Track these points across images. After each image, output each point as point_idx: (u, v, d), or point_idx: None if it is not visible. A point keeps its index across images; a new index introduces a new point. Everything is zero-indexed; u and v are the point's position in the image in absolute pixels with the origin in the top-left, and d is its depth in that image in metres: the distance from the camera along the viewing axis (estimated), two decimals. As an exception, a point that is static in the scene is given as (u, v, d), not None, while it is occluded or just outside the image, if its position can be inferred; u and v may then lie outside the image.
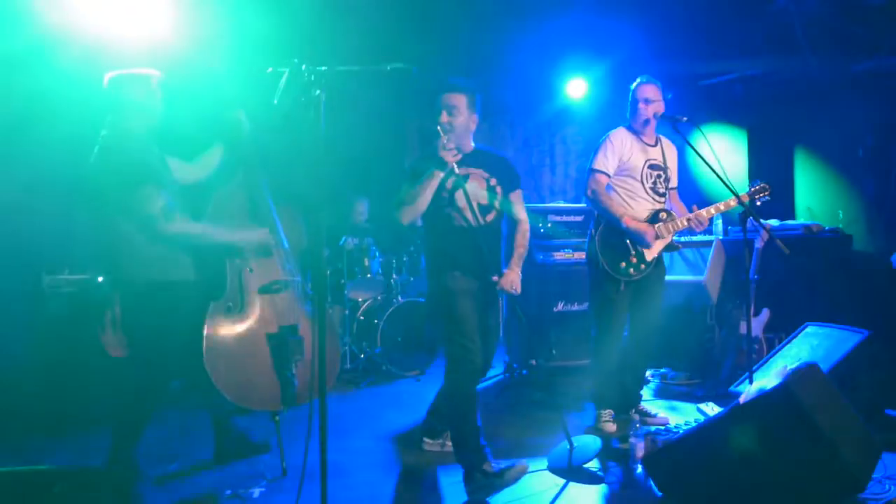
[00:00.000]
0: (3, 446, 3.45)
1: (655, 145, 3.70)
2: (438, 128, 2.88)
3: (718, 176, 3.37)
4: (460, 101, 2.94)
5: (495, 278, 2.96)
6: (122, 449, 2.76)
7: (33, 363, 3.69)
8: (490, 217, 3.02)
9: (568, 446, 2.99)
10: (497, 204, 3.04)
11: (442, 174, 2.87)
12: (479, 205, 2.98)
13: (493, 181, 3.04)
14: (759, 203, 3.64)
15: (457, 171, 2.89)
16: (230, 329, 2.91)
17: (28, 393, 3.69)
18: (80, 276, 3.85)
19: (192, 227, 2.76)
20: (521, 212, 3.17)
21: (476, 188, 2.99)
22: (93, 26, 3.89)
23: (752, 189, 3.64)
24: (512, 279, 2.98)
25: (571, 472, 2.96)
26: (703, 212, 3.58)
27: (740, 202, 3.45)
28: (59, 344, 3.64)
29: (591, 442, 3.16)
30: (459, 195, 2.93)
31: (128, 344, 2.82)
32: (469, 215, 2.94)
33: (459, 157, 2.89)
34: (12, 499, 1.65)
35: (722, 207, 3.60)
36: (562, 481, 2.90)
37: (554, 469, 3.02)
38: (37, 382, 3.61)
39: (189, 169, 3.03)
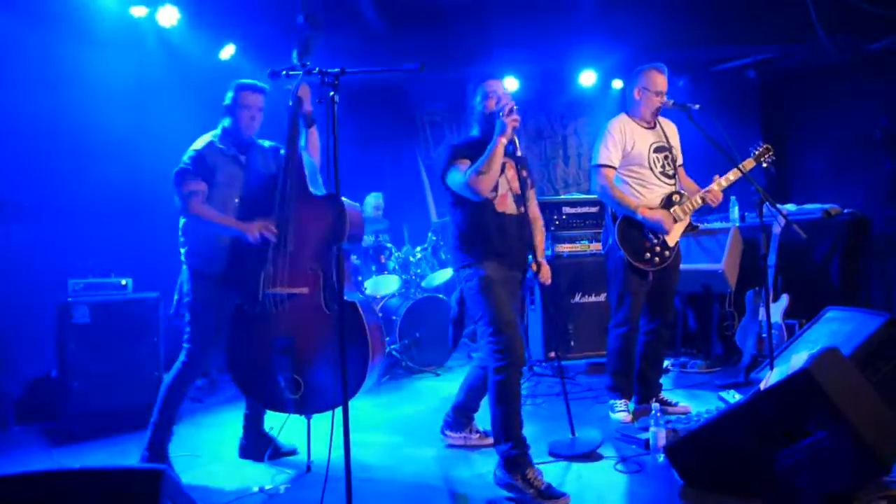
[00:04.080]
0: (34, 450, 3.54)
1: (654, 127, 3.69)
2: (500, 101, 2.92)
3: (723, 150, 3.38)
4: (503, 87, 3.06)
5: (535, 269, 3.06)
6: (158, 444, 2.94)
7: (60, 367, 3.75)
8: (522, 208, 3.03)
9: (571, 437, 3.08)
10: (526, 195, 3.06)
11: (506, 140, 2.82)
12: (515, 194, 3.01)
13: (524, 173, 3.08)
14: (765, 165, 3.68)
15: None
16: (246, 326, 2.94)
17: (57, 397, 3.78)
18: (105, 280, 3.90)
19: (204, 213, 2.93)
20: (536, 209, 3.27)
21: (512, 176, 3.02)
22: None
23: (756, 152, 3.66)
24: (547, 270, 3.12)
25: (577, 457, 3.06)
26: (715, 185, 3.56)
27: (742, 172, 3.50)
28: (85, 348, 3.69)
29: (594, 433, 3.25)
30: (502, 180, 2.96)
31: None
32: (509, 202, 2.98)
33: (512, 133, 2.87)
34: (39, 501, 1.68)
35: (731, 177, 3.58)
36: (583, 473, 2.92)
37: (558, 455, 3.10)
38: (65, 386, 3.67)
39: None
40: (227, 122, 3.09)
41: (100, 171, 4.40)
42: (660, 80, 3.59)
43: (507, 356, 2.78)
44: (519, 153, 3.04)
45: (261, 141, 3.21)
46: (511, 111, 2.81)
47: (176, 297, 3.12)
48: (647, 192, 3.60)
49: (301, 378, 2.81)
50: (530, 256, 3.09)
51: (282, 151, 3.08)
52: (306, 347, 2.83)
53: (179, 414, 3.08)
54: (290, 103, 2.95)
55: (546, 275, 3.11)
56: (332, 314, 2.81)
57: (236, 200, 3.04)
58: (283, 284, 2.87)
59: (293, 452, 3.27)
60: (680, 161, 3.76)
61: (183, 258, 3.08)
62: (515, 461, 2.69)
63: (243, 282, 2.93)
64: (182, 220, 3.06)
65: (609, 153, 3.57)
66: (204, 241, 3.01)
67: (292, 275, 2.88)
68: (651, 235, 3.56)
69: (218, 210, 2.97)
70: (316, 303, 2.86)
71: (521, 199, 3.02)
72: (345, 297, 2.82)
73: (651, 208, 3.54)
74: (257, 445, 3.25)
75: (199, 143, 3.04)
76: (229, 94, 3.07)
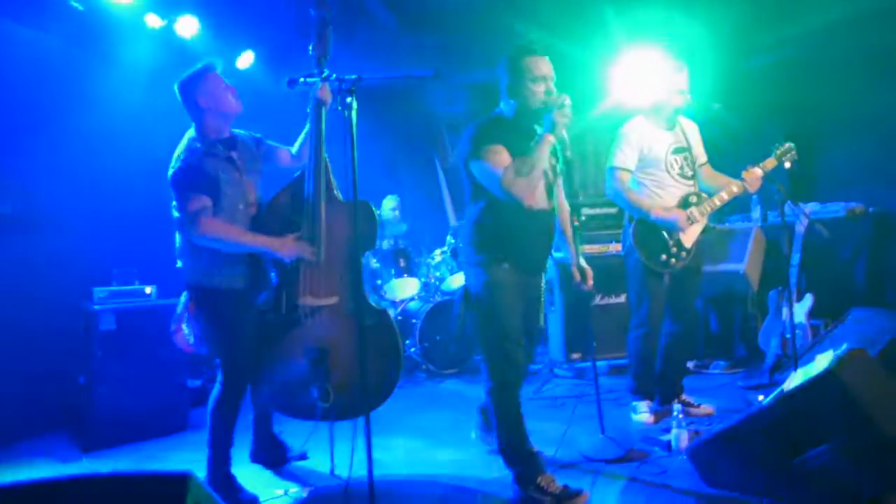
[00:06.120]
0: (63, 455, 3.60)
1: (673, 128, 3.65)
2: (549, 89, 2.60)
3: (743, 149, 3.35)
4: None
5: (577, 277, 2.91)
6: (219, 457, 2.83)
7: (88, 374, 3.81)
8: (552, 203, 2.79)
9: (602, 437, 3.02)
10: (556, 188, 2.82)
11: (554, 140, 2.53)
12: (548, 185, 2.74)
13: (553, 160, 2.74)
14: (787, 165, 3.58)
15: None
16: (271, 338, 2.88)
17: (85, 402, 3.84)
18: (129, 288, 3.96)
19: (218, 231, 2.66)
20: (562, 195, 3.01)
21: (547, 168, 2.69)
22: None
23: (778, 151, 3.58)
24: (590, 275, 2.93)
25: (607, 462, 3.00)
26: (753, 170, 3.51)
27: (763, 170, 3.47)
28: (111, 355, 3.75)
29: (623, 436, 3.20)
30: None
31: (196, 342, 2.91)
32: (539, 195, 2.67)
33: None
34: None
35: (767, 165, 3.53)
36: (605, 475, 2.91)
37: (590, 459, 3.05)
38: (93, 392, 3.73)
39: (288, 154, 3.09)
40: (197, 124, 2.80)
41: (121, 181, 4.47)
42: (679, 79, 3.56)
43: (500, 375, 2.64)
44: (569, 154, 2.69)
45: (236, 130, 2.95)
46: (565, 105, 2.51)
47: (186, 328, 2.81)
48: (664, 194, 3.57)
49: (332, 387, 2.77)
50: (551, 259, 2.92)
51: (269, 142, 3.01)
52: (338, 356, 2.79)
53: (192, 421, 3.02)
54: (309, 109, 2.85)
55: (590, 282, 2.92)
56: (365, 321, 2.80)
57: (241, 207, 2.79)
58: (314, 295, 2.78)
59: (303, 457, 3.22)
60: (702, 160, 3.72)
61: (188, 279, 2.79)
62: (524, 477, 2.64)
63: (264, 293, 2.88)
64: (178, 239, 2.80)
65: (624, 156, 3.55)
66: (218, 258, 2.74)
67: (323, 284, 2.79)
68: (667, 237, 3.53)
69: (227, 222, 2.71)
70: (346, 311, 2.82)
71: (552, 193, 2.77)
72: (373, 304, 2.90)
73: (666, 208, 3.52)
74: (268, 449, 3.21)
75: (188, 154, 2.72)
76: (190, 91, 2.78)
